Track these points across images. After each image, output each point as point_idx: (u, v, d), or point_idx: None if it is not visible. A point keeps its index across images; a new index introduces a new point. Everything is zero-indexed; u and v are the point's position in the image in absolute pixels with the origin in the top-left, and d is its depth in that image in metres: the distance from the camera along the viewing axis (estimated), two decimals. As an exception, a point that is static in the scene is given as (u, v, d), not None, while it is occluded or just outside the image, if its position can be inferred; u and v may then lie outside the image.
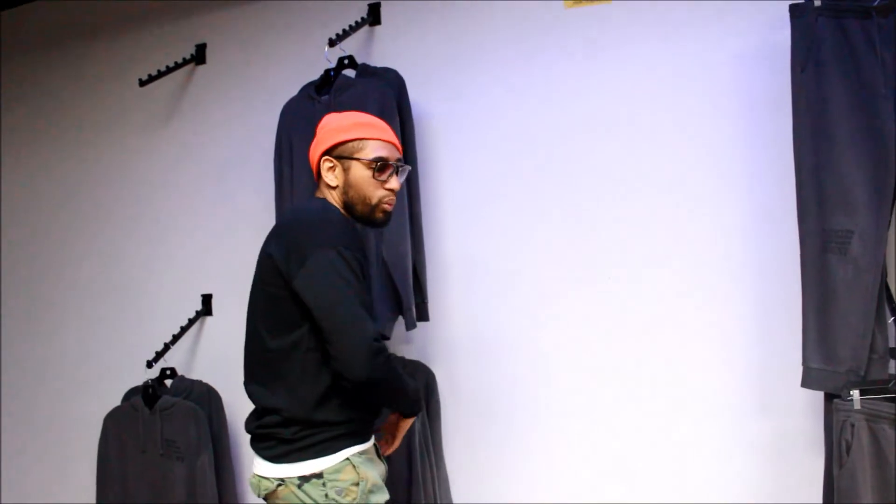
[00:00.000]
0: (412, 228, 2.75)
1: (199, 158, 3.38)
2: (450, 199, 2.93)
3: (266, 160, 3.02)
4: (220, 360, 3.23)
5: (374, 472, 2.02)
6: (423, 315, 2.79)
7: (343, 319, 1.89)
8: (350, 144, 2.08)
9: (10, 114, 3.85)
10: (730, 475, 2.53)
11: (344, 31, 2.89)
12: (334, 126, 2.13)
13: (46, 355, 3.65)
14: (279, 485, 1.98)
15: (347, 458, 1.97)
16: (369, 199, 2.08)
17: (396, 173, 2.12)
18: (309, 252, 1.92)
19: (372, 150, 2.08)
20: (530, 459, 2.78)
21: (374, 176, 2.07)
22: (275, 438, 1.99)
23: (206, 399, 3.03)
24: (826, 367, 2.20)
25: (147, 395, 3.00)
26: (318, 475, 1.94)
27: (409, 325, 2.72)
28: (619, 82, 2.72)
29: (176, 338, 3.19)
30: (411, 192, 2.77)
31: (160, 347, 3.15)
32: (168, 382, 3.09)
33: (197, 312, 3.28)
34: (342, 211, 2.09)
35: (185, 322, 3.24)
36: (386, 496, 2.03)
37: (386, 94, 2.73)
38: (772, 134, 2.49)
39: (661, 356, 2.62)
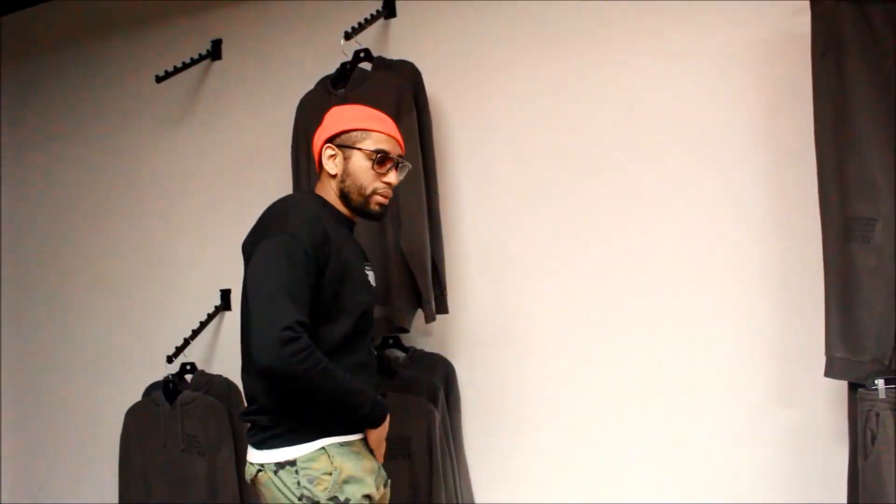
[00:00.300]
0: (430, 221, 2.75)
1: (216, 154, 3.39)
2: (467, 192, 2.92)
3: (283, 154, 3.01)
4: (239, 354, 3.23)
5: (354, 464, 1.98)
6: (442, 308, 2.79)
7: (259, 301, 1.89)
8: (353, 134, 2.10)
9: (28, 111, 3.87)
10: (752, 467, 2.51)
11: (359, 24, 2.88)
12: (339, 116, 2.15)
13: (66, 352, 3.68)
14: (259, 470, 1.98)
15: (323, 448, 1.95)
16: (364, 189, 2.09)
17: (396, 168, 2.13)
18: (261, 240, 1.95)
19: (374, 143, 2.10)
20: (552, 452, 2.77)
21: (373, 167, 2.08)
22: (256, 426, 2.01)
23: (226, 394, 3.03)
24: (850, 356, 2.18)
25: (168, 390, 3.01)
26: (292, 462, 1.94)
27: (429, 318, 2.72)
28: (635, 73, 2.70)
29: (196, 333, 3.20)
30: (429, 184, 2.77)
31: (180, 342, 3.15)
32: (188, 377, 3.10)
33: (216, 307, 3.29)
34: (338, 201, 2.11)
35: (204, 317, 3.25)
36: (365, 490, 1.98)
37: (402, 87, 2.73)
38: (792, 121, 2.47)
39: (682, 347, 2.60)
